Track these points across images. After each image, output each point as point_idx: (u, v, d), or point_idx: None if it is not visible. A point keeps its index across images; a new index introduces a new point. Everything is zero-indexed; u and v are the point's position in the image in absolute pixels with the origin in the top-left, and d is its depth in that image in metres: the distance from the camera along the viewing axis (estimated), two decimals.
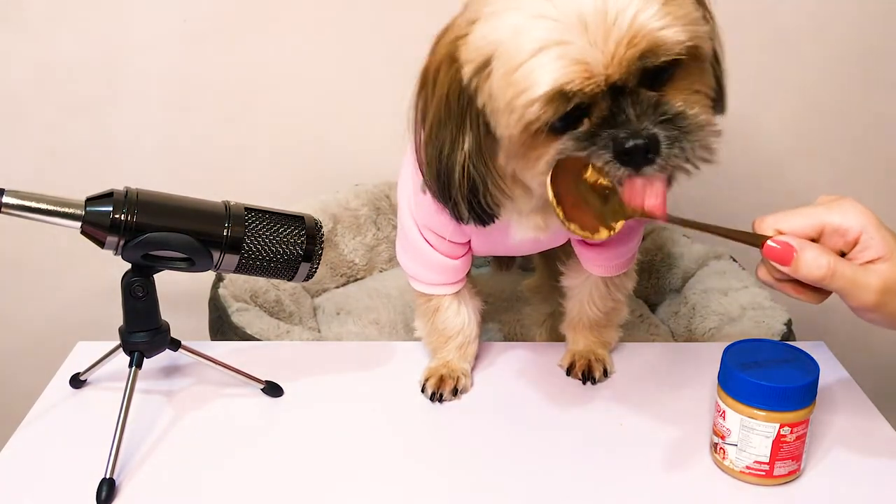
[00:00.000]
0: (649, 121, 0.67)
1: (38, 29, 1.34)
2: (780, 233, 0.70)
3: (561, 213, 0.70)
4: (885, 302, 0.69)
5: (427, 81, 0.76)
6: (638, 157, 0.67)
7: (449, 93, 0.74)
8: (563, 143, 0.70)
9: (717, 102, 0.76)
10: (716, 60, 0.75)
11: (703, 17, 0.72)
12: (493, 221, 0.81)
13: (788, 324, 1.13)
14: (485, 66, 0.71)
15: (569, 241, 0.94)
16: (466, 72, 0.72)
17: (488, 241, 0.91)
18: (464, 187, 0.77)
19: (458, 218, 0.81)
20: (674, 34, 0.66)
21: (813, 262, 0.68)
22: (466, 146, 0.76)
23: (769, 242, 0.69)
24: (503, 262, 1.33)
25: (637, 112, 0.67)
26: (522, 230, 0.86)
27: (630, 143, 0.67)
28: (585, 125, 0.69)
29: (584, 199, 0.71)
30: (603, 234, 0.72)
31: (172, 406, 0.89)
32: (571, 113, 0.68)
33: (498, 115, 0.71)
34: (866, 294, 0.69)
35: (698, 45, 0.68)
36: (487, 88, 0.71)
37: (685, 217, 0.71)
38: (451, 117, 0.75)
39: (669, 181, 0.70)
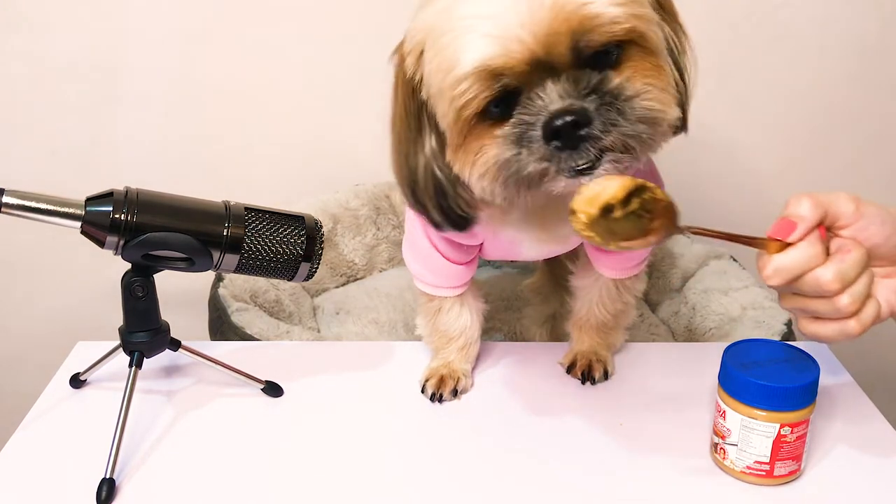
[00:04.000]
0: (576, 95, 0.64)
1: (38, 29, 1.34)
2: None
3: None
4: (862, 207, 0.69)
5: (393, 85, 0.75)
6: (570, 136, 0.64)
7: (403, 92, 0.73)
8: (499, 148, 0.66)
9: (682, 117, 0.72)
10: (679, 72, 0.71)
11: (660, 5, 0.69)
12: (470, 226, 0.79)
13: (788, 324, 1.13)
14: (420, 53, 0.69)
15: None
16: (409, 64, 0.70)
17: (499, 248, 0.90)
18: (430, 190, 0.75)
19: (434, 224, 0.79)
20: (606, 9, 0.62)
21: (797, 204, 0.67)
22: (427, 147, 0.74)
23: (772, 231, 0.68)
24: None
25: (564, 88, 0.64)
26: (530, 244, 0.86)
27: (558, 122, 0.63)
28: (517, 111, 0.65)
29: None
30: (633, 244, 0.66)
31: (172, 406, 0.89)
32: (503, 99, 0.65)
33: (435, 104, 0.69)
34: (845, 203, 0.68)
35: (641, 28, 0.65)
36: (425, 76, 0.69)
37: (692, 224, 0.68)
38: (410, 118, 0.73)
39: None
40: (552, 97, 0.64)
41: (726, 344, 0.80)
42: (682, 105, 0.72)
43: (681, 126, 0.73)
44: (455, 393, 0.92)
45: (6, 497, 0.77)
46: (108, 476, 0.76)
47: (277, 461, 0.81)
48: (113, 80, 1.38)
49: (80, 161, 1.41)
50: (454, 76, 0.65)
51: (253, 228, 0.82)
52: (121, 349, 0.84)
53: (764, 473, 0.77)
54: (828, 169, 1.51)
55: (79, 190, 0.81)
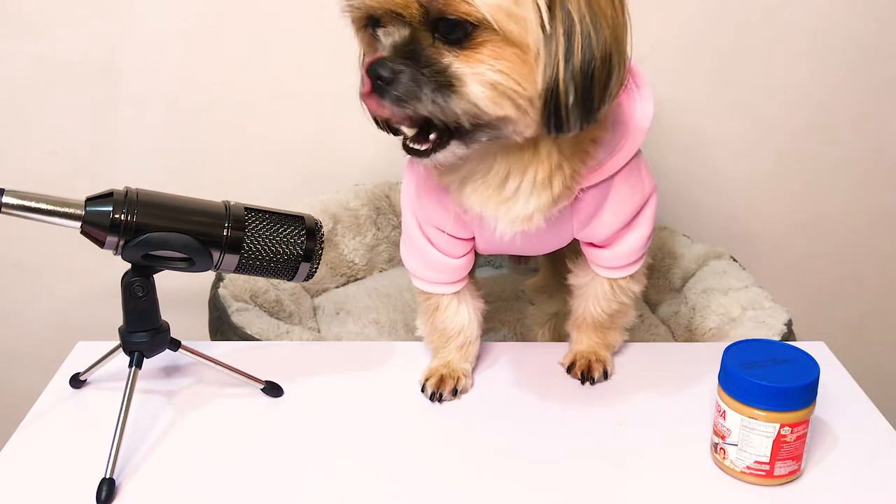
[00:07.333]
0: (398, 54, 0.70)
1: (39, 29, 1.34)
2: None
3: None
4: None
5: None
6: (378, 85, 0.70)
7: None
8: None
9: (555, 117, 0.72)
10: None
11: (544, 23, 0.70)
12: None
13: (788, 324, 1.13)
14: None
15: (576, 240, 0.94)
16: None
17: (487, 238, 0.90)
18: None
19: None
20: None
21: None
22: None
23: None
24: (516, 258, 1.31)
25: (396, 43, 0.71)
26: (503, 225, 0.83)
27: (374, 71, 0.70)
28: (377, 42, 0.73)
29: None
30: None
31: (172, 406, 0.89)
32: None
33: None
34: None
35: (500, 23, 0.68)
36: None
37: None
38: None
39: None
40: (385, 44, 0.72)
41: (726, 344, 0.80)
42: (557, 106, 0.72)
43: (554, 126, 0.73)
44: (455, 393, 0.92)
45: (6, 497, 0.77)
46: (108, 476, 0.76)
47: (277, 461, 0.81)
48: (113, 80, 1.37)
49: (80, 161, 1.41)
50: None
51: (253, 229, 0.82)
52: (121, 349, 0.84)
53: (764, 473, 0.77)
54: (826, 170, 1.51)
55: (79, 190, 0.81)
